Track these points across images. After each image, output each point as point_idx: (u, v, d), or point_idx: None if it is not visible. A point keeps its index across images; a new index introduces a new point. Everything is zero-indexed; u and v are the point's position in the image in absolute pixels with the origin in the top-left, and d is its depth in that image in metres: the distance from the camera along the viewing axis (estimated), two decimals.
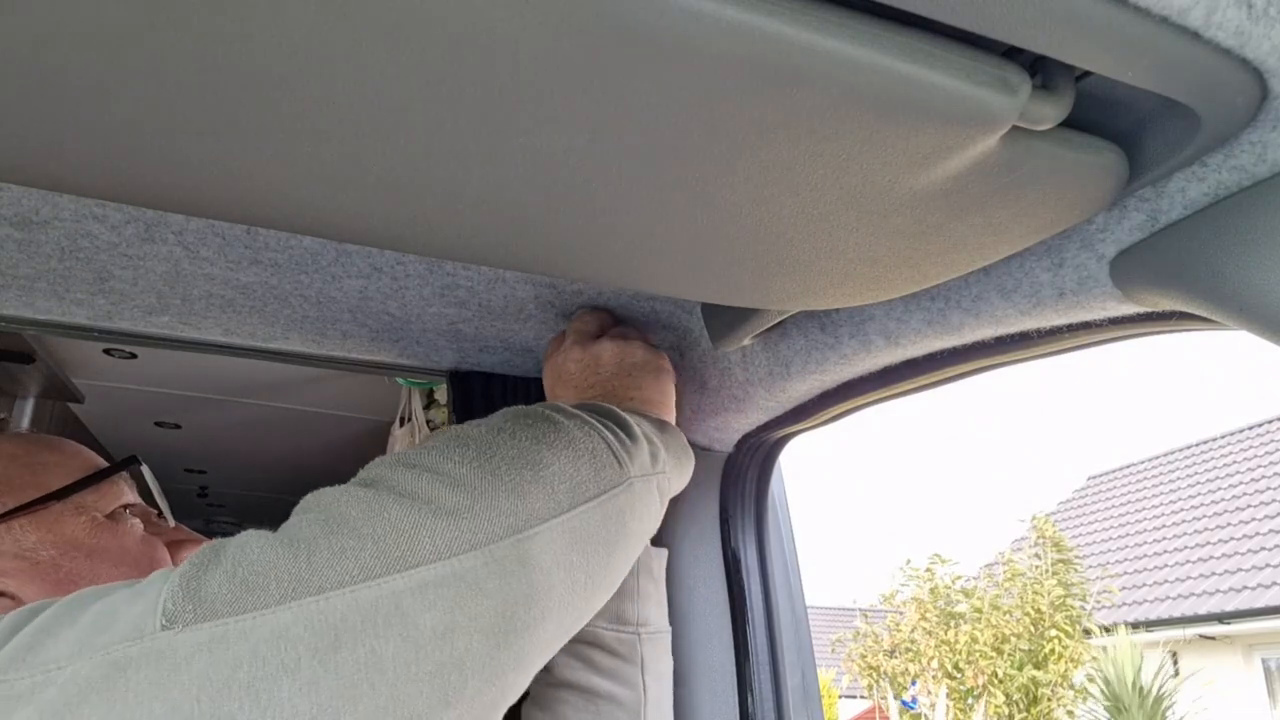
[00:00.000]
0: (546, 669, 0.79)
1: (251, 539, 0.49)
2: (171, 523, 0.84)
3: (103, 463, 0.82)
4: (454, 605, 0.48)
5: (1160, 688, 7.91)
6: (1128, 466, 14.10)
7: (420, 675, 0.46)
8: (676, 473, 0.72)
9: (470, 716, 0.49)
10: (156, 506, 0.85)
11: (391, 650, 0.45)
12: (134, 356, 1.50)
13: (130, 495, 0.81)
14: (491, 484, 0.53)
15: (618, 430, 0.64)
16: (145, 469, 0.85)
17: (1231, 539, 9.80)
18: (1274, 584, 8.55)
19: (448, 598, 0.48)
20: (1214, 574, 9.43)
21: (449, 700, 0.47)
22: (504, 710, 0.53)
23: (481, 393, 1.04)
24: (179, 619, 0.43)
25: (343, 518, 0.50)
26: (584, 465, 0.59)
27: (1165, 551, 10.64)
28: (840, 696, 12.02)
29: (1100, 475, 14.64)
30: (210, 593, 0.45)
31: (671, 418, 0.83)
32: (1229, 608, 8.74)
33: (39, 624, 0.46)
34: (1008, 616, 8.49)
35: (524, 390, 1.07)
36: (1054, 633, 8.22)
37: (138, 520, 0.80)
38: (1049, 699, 8.22)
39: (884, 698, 9.43)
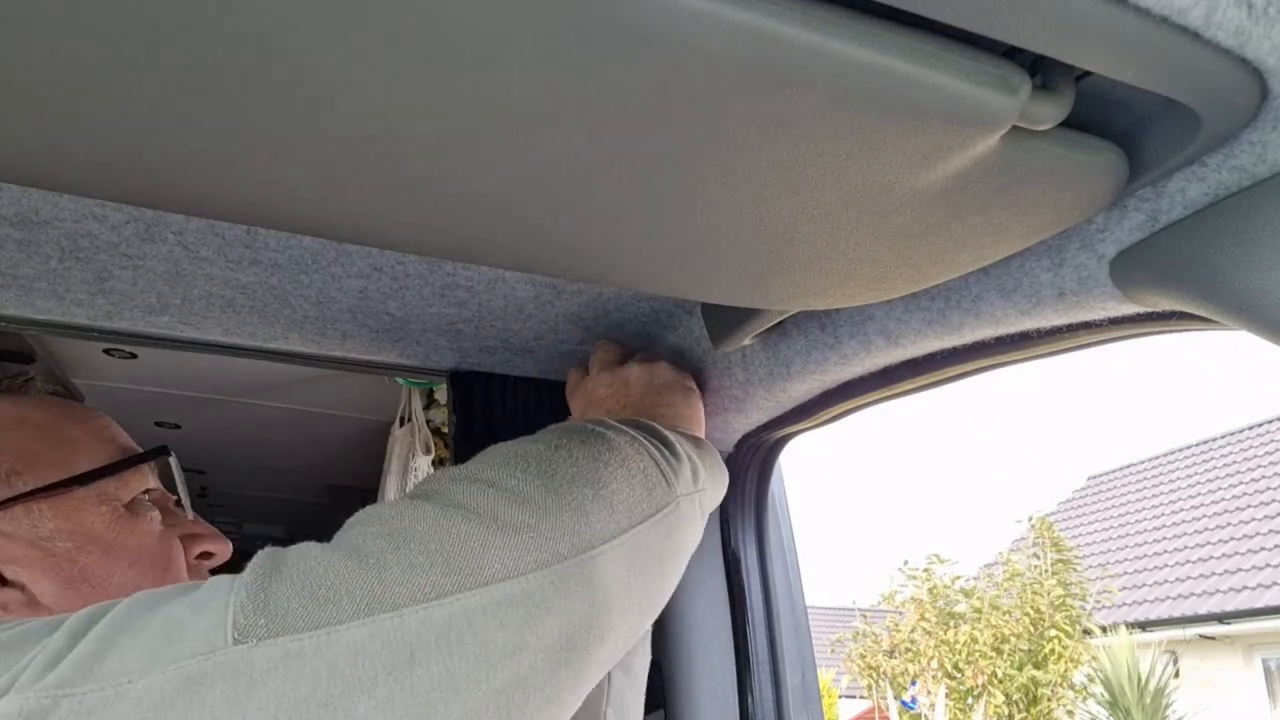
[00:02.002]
0: None
1: (312, 551, 0.48)
2: (190, 514, 0.80)
3: (129, 441, 0.77)
4: (523, 624, 0.48)
5: (1161, 687, 7.91)
6: (1128, 466, 14.09)
7: (489, 693, 0.46)
8: (713, 489, 0.71)
9: None
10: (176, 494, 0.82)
11: (465, 669, 0.45)
12: (134, 356, 1.50)
13: (151, 480, 0.77)
14: (555, 502, 0.53)
15: (662, 448, 0.64)
16: (173, 459, 0.81)
17: (1231, 539, 9.79)
18: (1274, 584, 8.55)
19: (518, 616, 0.47)
20: (1214, 574, 9.43)
21: (513, 718, 0.47)
22: None
23: (481, 393, 1.04)
24: (252, 633, 0.43)
25: (409, 533, 0.49)
26: (638, 485, 0.58)
27: (1165, 551, 10.64)
28: (840, 696, 12.02)
29: (1100, 475, 14.63)
30: (281, 606, 0.44)
31: (702, 433, 0.84)
32: (1229, 608, 8.74)
33: (101, 631, 0.45)
34: (1007, 616, 8.49)
35: (524, 390, 1.07)
36: (1054, 633, 8.22)
37: (156, 513, 0.76)
38: (1049, 699, 8.22)
39: (884, 698, 9.42)
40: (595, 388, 0.84)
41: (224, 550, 0.81)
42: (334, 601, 0.44)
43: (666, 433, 0.68)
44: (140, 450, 0.77)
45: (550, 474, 0.55)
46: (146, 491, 0.76)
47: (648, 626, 0.60)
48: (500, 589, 0.48)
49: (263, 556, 0.48)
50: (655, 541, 0.58)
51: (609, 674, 0.76)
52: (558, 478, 0.55)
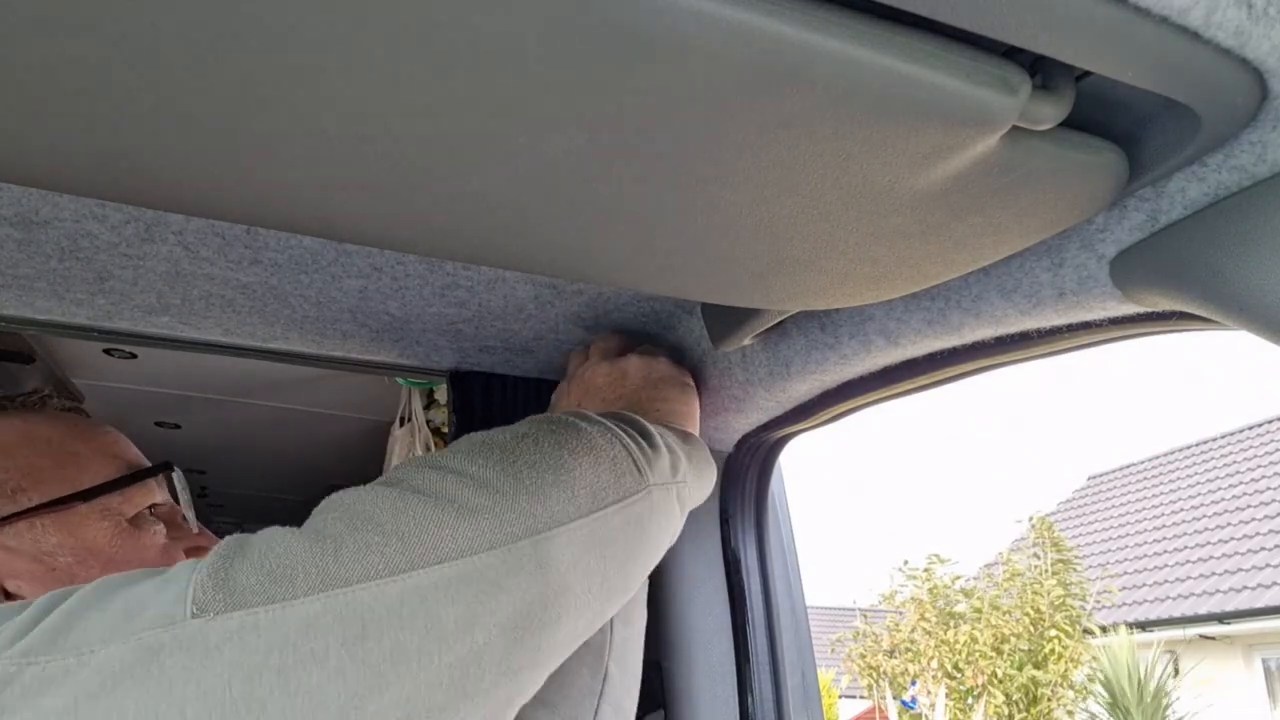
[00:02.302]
0: None
1: (276, 534, 0.50)
2: (195, 528, 0.82)
3: (136, 456, 0.79)
4: (475, 601, 0.49)
5: (1161, 687, 7.91)
6: (1128, 466, 14.09)
7: (442, 667, 0.47)
8: (697, 483, 0.72)
9: (487, 710, 0.50)
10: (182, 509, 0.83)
11: (416, 642, 0.46)
12: (134, 356, 1.49)
13: (158, 495, 0.78)
14: (513, 486, 0.54)
15: (639, 439, 0.65)
16: (178, 474, 0.82)
17: (1231, 539, 9.79)
18: (1274, 584, 8.55)
19: (469, 593, 0.49)
20: (1214, 574, 9.42)
21: (467, 692, 0.48)
22: (518, 707, 0.54)
23: (481, 393, 1.04)
24: (210, 607, 0.44)
25: (367, 515, 0.51)
26: (604, 471, 0.59)
27: (1165, 551, 10.64)
28: (840, 696, 12.01)
29: (1100, 475, 14.63)
30: (239, 583, 0.45)
31: (695, 430, 0.84)
32: (1229, 608, 8.73)
33: (68, 608, 0.47)
34: (1007, 616, 8.49)
35: (524, 390, 1.07)
36: (1054, 633, 8.22)
37: (161, 526, 0.77)
38: (1049, 699, 8.22)
39: (884, 698, 9.42)
40: (594, 376, 0.85)
41: None
42: (290, 578, 0.46)
43: (648, 425, 0.68)
44: (148, 464, 0.78)
45: (511, 460, 0.56)
46: (153, 507, 0.77)
47: (612, 611, 0.61)
48: (453, 567, 0.49)
49: (229, 540, 0.50)
50: (620, 527, 0.59)
51: (611, 628, 0.77)
52: (519, 464, 0.56)
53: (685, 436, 0.74)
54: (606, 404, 0.82)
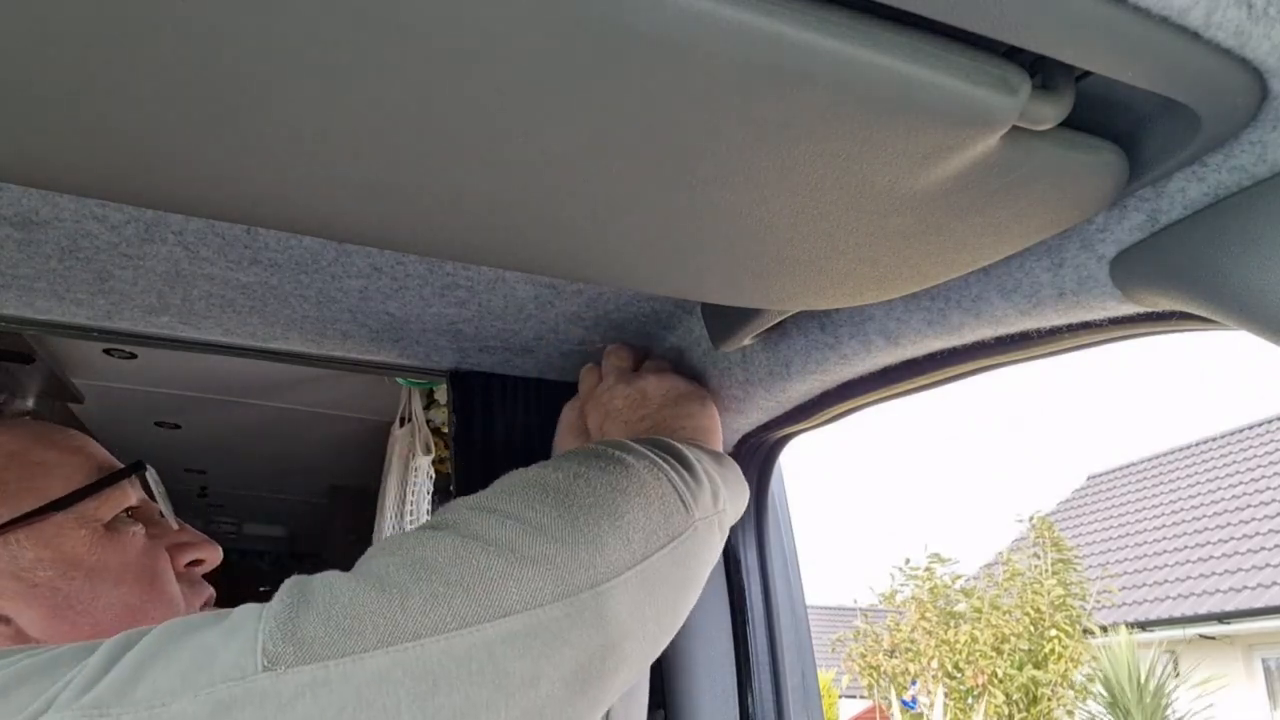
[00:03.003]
0: None
1: (337, 580, 0.50)
2: (175, 524, 0.80)
3: (106, 457, 0.76)
4: (540, 655, 0.49)
5: (1161, 687, 7.91)
6: (1128, 466, 14.09)
7: None
8: (733, 508, 0.72)
9: None
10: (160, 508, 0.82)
11: (485, 697, 0.47)
12: (134, 356, 1.50)
13: (133, 497, 0.76)
14: (572, 534, 0.54)
15: (682, 471, 0.65)
16: (151, 472, 0.80)
17: (1231, 539, 9.79)
18: (1274, 584, 8.55)
19: (536, 648, 0.49)
20: (1214, 574, 9.42)
21: None
22: None
23: (481, 393, 1.04)
24: (280, 660, 0.44)
25: (430, 563, 0.50)
26: (655, 512, 0.59)
27: (1165, 551, 10.63)
28: (840, 696, 12.00)
29: (1100, 475, 14.63)
30: (308, 634, 0.45)
31: (720, 443, 0.84)
32: (1229, 608, 8.73)
33: (135, 657, 0.46)
34: (1007, 616, 8.48)
35: (524, 390, 1.07)
36: (1054, 633, 8.22)
37: (139, 527, 0.75)
38: (1049, 699, 8.21)
39: (884, 698, 9.42)
40: (612, 399, 0.84)
41: (213, 556, 0.80)
42: (358, 631, 0.46)
43: (688, 453, 0.68)
44: (120, 465, 0.76)
45: (568, 504, 0.56)
46: (129, 510, 0.75)
47: (661, 650, 0.60)
48: (519, 620, 0.49)
49: (290, 585, 0.50)
50: (670, 567, 0.59)
51: None
52: (575, 508, 0.56)
53: (718, 458, 0.74)
54: (629, 426, 0.82)
